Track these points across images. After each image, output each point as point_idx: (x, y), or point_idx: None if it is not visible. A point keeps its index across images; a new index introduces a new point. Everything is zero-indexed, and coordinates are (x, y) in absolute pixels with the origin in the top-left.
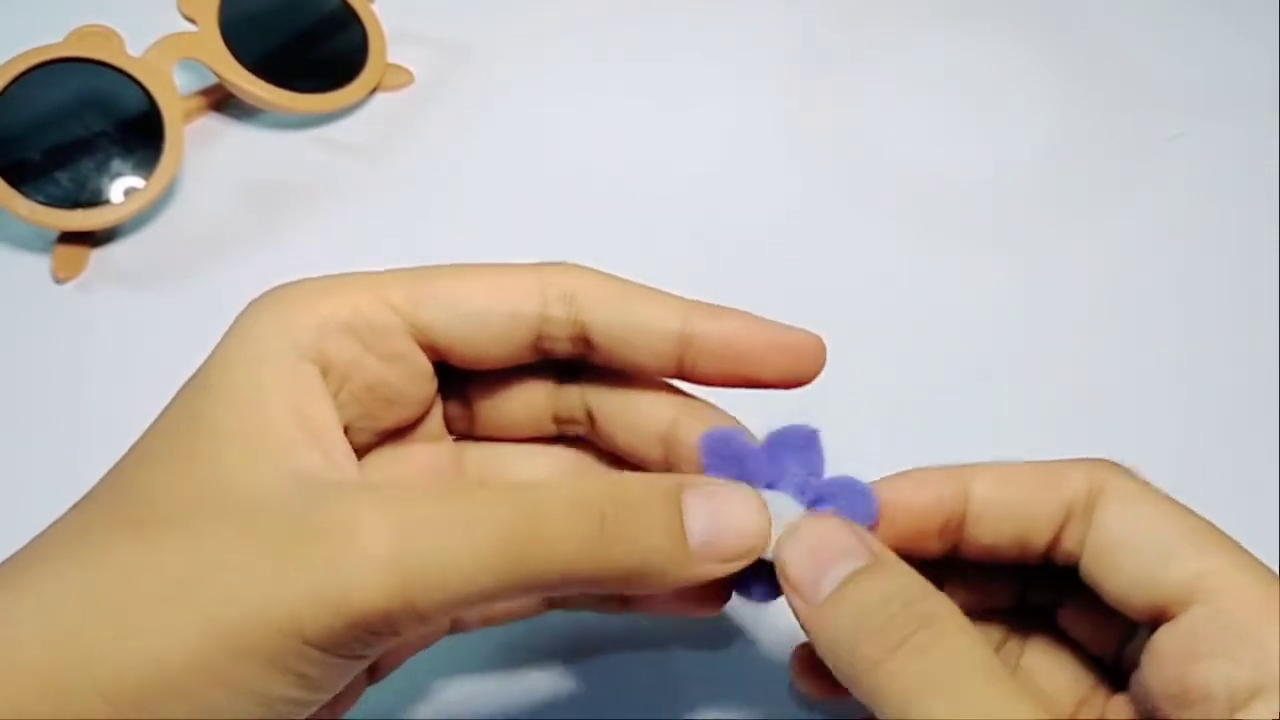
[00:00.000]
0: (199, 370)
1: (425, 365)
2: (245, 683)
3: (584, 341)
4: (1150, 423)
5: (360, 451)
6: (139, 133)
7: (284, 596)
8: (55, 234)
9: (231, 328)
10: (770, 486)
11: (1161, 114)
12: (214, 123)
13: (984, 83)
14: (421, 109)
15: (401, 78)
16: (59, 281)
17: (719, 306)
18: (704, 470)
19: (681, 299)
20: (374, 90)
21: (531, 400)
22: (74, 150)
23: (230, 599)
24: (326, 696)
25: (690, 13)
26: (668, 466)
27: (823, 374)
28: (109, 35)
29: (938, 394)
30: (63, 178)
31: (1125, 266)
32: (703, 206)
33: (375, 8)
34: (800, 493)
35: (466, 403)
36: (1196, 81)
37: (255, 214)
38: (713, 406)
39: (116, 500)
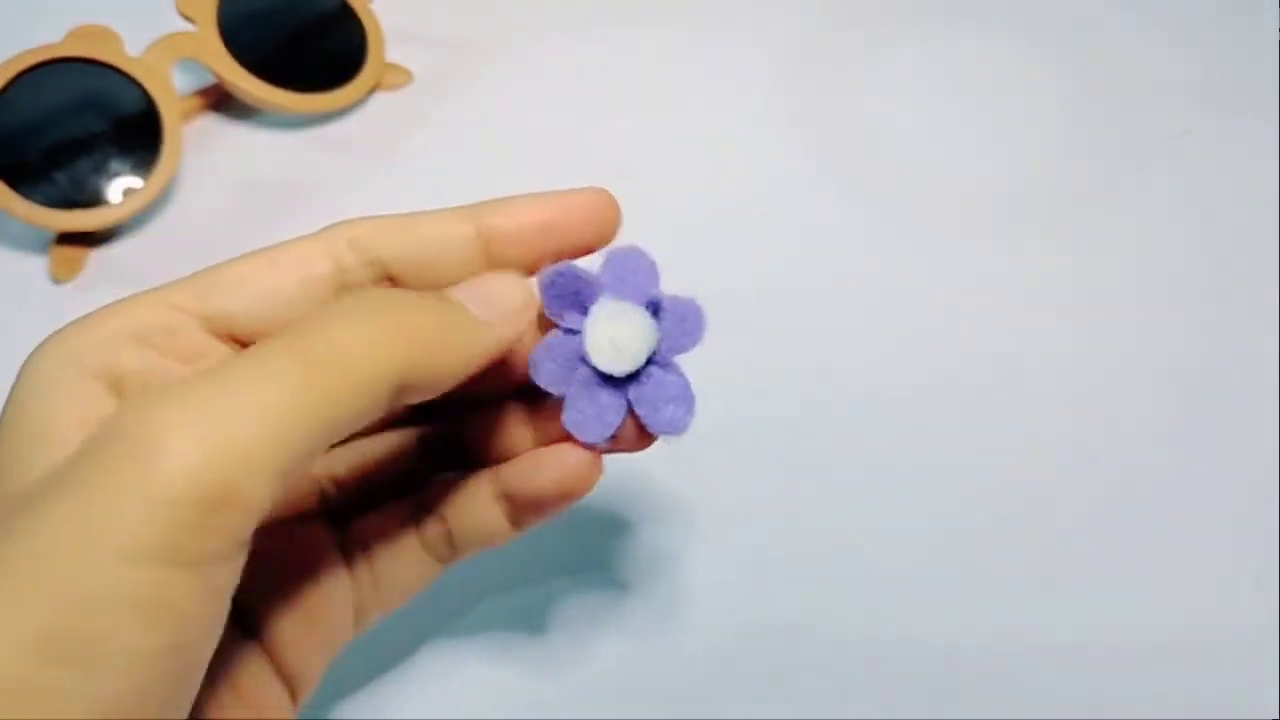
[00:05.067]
0: None
1: (227, 355)
2: (99, 646)
3: (388, 281)
4: (1151, 421)
5: None
6: (137, 133)
7: (93, 518)
8: (53, 234)
9: (18, 373)
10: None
11: (1165, 112)
12: (212, 122)
13: (986, 81)
14: (421, 109)
15: (401, 77)
16: (57, 282)
17: (503, 198)
18: (545, 306)
19: (466, 206)
20: (373, 90)
21: None
22: (72, 150)
23: (52, 563)
24: (204, 638)
25: (690, 13)
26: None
27: (824, 370)
28: (107, 35)
29: (939, 390)
30: (60, 178)
31: (1127, 264)
32: (703, 207)
33: (374, 7)
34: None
35: None
36: (1200, 79)
37: (254, 214)
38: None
39: None
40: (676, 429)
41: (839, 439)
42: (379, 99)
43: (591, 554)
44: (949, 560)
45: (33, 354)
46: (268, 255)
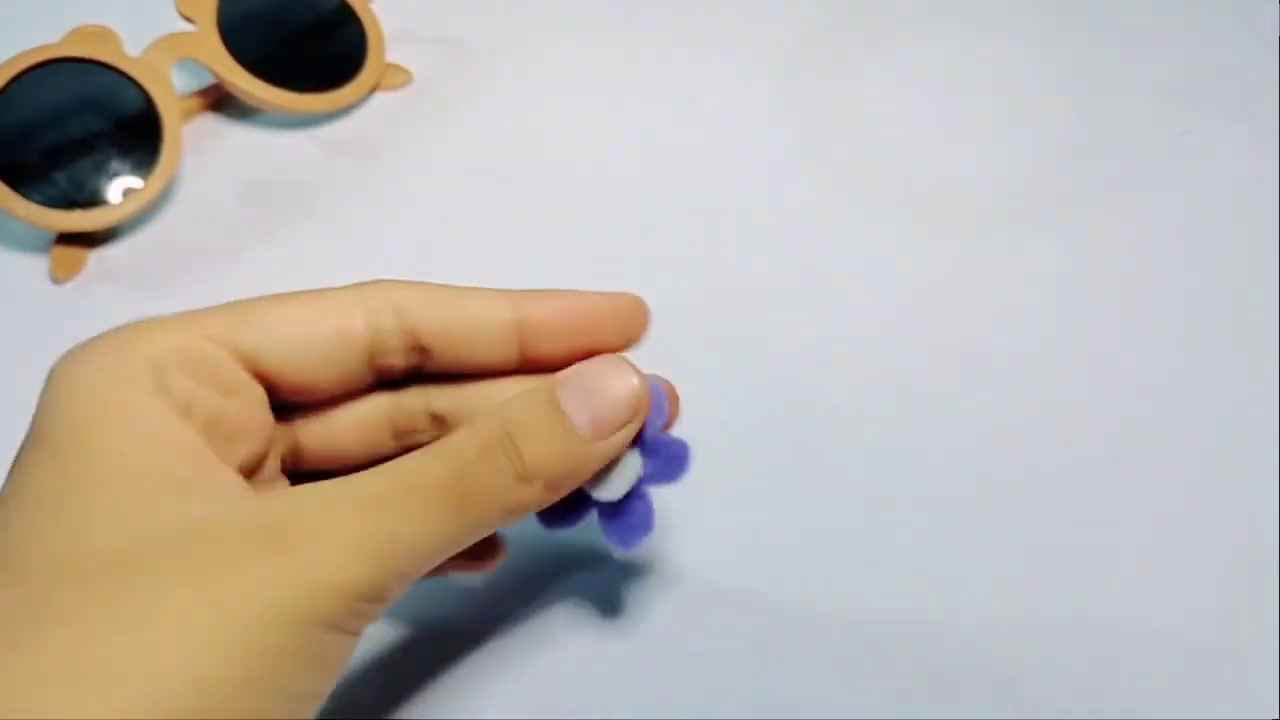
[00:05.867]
0: (31, 438)
1: (261, 393)
2: (275, 682)
3: (419, 351)
4: (1152, 421)
5: None
6: (137, 133)
7: (294, 589)
8: (53, 235)
9: (51, 388)
10: None
11: (1165, 112)
12: (212, 123)
13: (986, 81)
14: (420, 109)
15: (400, 77)
16: (57, 282)
17: (544, 290)
18: None
19: (507, 290)
20: (373, 90)
21: (364, 424)
22: (72, 150)
23: (243, 601)
24: (333, 684)
25: (689, 13)
26: None
27: (825, 373)
28: (107, 35)
29: (942, 392)
30: (60, 178)
31: (1129, 264)
32: (703, 207)
33: (374, 7)
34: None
35: (295, 444)
36: (1201, 79)
37: (254, 214)
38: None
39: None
40: (622, 548)
41: (837, 438)
42: (379, 99)
43: (574, 550)
44: (939, 555)
45: (66, 370)
46: (306, 302)
